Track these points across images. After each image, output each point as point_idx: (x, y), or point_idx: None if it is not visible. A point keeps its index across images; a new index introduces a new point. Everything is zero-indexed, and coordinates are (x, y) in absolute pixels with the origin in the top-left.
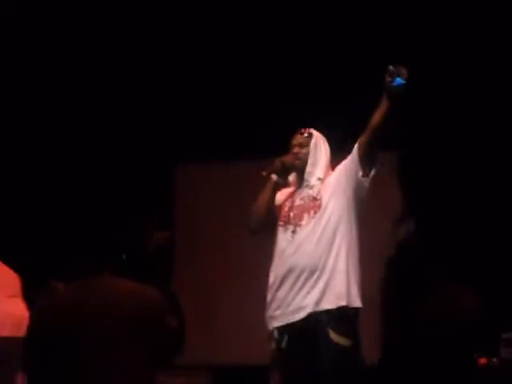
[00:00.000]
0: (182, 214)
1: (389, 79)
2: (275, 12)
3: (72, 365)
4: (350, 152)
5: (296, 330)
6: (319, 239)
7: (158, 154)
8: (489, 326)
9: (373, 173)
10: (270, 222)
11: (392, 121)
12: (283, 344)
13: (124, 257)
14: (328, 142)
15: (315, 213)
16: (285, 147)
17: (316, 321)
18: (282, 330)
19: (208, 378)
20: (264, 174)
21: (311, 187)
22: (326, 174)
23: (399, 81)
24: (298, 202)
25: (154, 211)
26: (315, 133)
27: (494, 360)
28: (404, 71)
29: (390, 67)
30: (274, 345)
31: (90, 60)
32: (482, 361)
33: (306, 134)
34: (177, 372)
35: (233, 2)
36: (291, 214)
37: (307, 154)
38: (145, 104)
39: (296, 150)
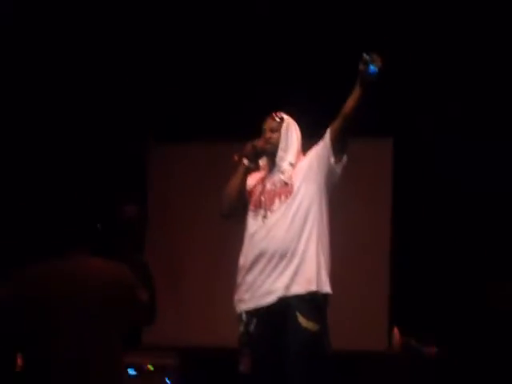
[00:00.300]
0: (155, 193)
1: (362, 67)
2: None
3: (43, 346)
4: (321, 138)
5: (265, 314)
6: (290, 224)
7: (133, 133)
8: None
9: (345, 159)
10: (241, 207)
11: (364, 108)
12: (252, 327)
13: (99, 226)
14: (300, 127)
15: (286, 198)
16: (259, 131)
17: (285, 305)
18: (251, 313)
19: (176, 358)
20: (235, 157)
21: (282, 172)
22: (298, 159)
23: (373, 69)
24: (269, 186)
25: (127, 189)
26: (287, 117)
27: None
28: (378, 59)
29: (364, 55)
30: (242, 328)
31: (63, 40)
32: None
33: (277, 119)
34: (145, 352)
35: None
36: (262, 199)
37: (278, 138)
38: (122, 84)
39: (268, 134)
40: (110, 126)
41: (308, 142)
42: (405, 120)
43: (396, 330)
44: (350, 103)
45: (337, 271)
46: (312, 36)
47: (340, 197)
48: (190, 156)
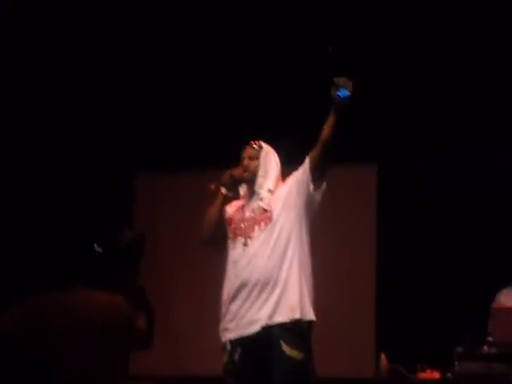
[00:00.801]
0: (141, 222)
1: (334, 92)
2: (225, 29)
3: (42, 380)
4: (300, 164)
5: (249, 343)
6: (271, 252)
7: (120, 163)
8: (443, 341)
9: (324, 186)
10: (220, 235)
11: (342, 133)
12: (236, 356)
13: (98, 249)
14: (278, 154)
15: (266, 225)
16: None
17: (269, 333)
18: (235, 342)
19: None
20: (212, 187)
21: (261, 199)
22: (277, 186)
23: (344, 93)
24: (248, 214)
25: (114, 217)
26: (265, 145)
27: (449, 375)
28: (348, 83)
29: (335, 79)
30: (226, 357)
31: (51, 68)
32: (437, 375)
33: (256, 147)
34: (132, 382)
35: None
36: (242, 226)
37: (257, 166)
38: (108, 114)
39: (246, 162)
40: (98, 155)
41: (288, 169)
42: (389, 146)
43: (383, 356)
44: (326, 130)
45: (323, 298)
46: (289, 65)
47: (325, 223)
48: (177, 184)
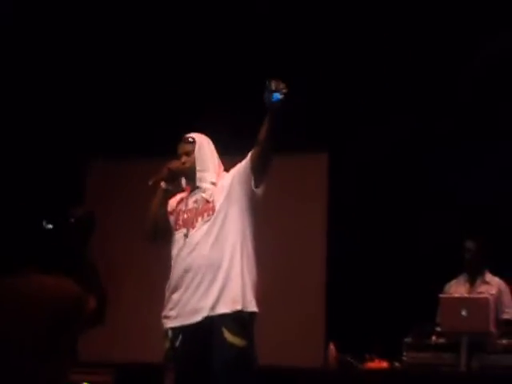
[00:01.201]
0: (92, 207)
1: (266, 95)
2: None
3: None
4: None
5: (191, 330)
6: (214, 242)
7: (73, 148)
8: (391, 331)
9: (264, 183)
10: (164, 229)
11: (279, 134)
12: (177, 343)
13: (49, 226)
14: (221, 142)
15: (209, 215)
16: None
17: (211, 322)
18: (177, 329)
19: (111, 375)
20: (150, 182)
21: (204, 190)
22: (218, 176)
23: (276, 96)
24: (191, 205)
25: (65, 199)
26: (198, 138)
27: (397, 364)
28: (281, 86)
29: (267, 82)
30: (167, 344)
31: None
32: (385, 365)
33: (189, 140)
34: (80, 369)
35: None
36: (185, 217)
37: (194, 161)
38: (64, 102)
39: (183, 158)
40: (52, 140)
41: (231, 157)
42: (340, 135)
43: (332, 346)
44: (263, 131)
45: (273, 288)
46: (230, 51)
47: (276, 212)
48: (128, 171)
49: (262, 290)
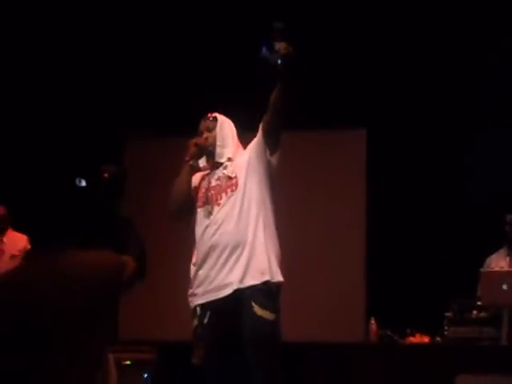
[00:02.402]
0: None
1: (272, 58)
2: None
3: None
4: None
5: (218, 306)
6: (238, 217)
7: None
8: (432, 306)
9: (279, 150)
10: (189, 206)
11: (290, 100)
12: (206, 319)
13: (84, 183)
14: (238, 121)
15: (232, 191)
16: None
17: (239, 296)
18: (205, 306)
19: (153, 353)
20: (187, 159)
21: (225, 167)
22: (237, 153)
23: (281, 59)
24: (214, 182)
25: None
26: (219, 116)
27: (438, 339)
28: (287, 48)
29: (273, 44)
30: (196, 321)
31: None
32: (426, 339)
33: (211, 119)
34: (123, 347)
35: None
36: (209, 195)
37: (215, 137)
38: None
39: (205, 134)
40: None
41: (249, 135)
42: (379, 111)
43: (373, 321)
44: (274, 95)
45: (313, 263)
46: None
47: (315, 187)
48: (165, 150)
49: (287, 263)
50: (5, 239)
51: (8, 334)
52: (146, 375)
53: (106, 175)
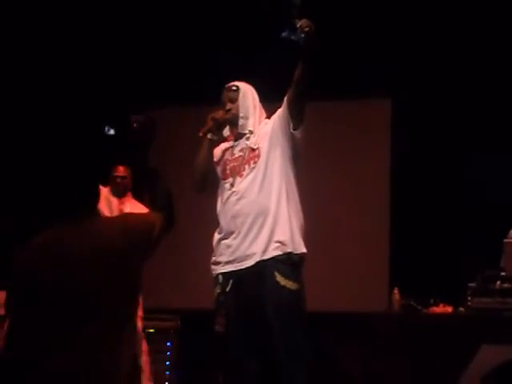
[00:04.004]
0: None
1: (292, 38)
2: None
3: (54, 313)
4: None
5: (241, 275)
6: (261, 187)
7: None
8: (456, 276)
9: (304, 124)
10: (212, 179)
11: (313, 75)
12: (228, 288)
13: (112, 132)
14: (264, 90)
15: (255, 163)
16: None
17: (262, 266)
18: (227, 275)
19: (177, 321)
20: (200, 134)
21: (248, 138)
22: (260, 124)
23: (299, 35)
24: (237, 154)
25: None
26: (242, 85)
27: (461, 309)
28: (304, 26)
29: (292, 21)
30: (218, 290)
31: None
32: (449, 310)
33: (234, 88)
34: (146, 315)
35: None
36: (232, 166)
37: (238, 107)
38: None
39: (228, 105)
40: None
41: (274, 104)
42: (403, 81)
43: (396, 291)
44: (298, 70)
45: (337, 234)
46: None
47: (339, 157)
48: (180, 120)
49: (309, 233)
50: (124, 206)
51: (44, 305)
52: (169, 343)
53: (134, 125)
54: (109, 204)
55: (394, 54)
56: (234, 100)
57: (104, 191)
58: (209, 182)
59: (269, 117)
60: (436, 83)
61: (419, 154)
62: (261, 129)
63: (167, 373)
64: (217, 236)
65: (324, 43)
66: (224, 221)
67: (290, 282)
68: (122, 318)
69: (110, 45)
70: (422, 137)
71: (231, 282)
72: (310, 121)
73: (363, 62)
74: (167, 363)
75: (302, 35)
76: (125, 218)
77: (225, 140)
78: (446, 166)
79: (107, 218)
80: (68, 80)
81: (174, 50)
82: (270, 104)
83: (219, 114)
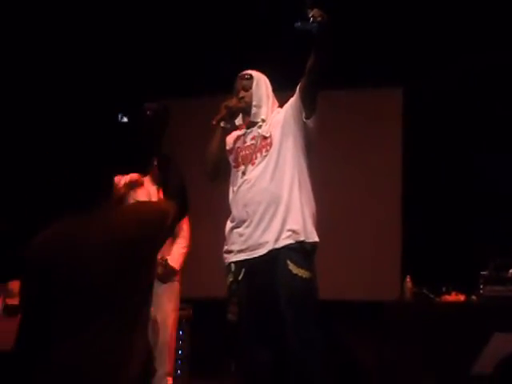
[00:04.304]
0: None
1: (305, 28)
2: None
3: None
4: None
5: (254, 264)
6: (272, 175)
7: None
8: (468, 264)
9: (316, 113)
10: (225, 167)
11: (327, 64)
12: (240, 276)
13: (125, 119)
14: (276, 79)
15: (267, 151)
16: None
17: (275, 254)
18: (240, 263)
19: (189, 310)
20: (214, 123)
21: (260, 127)
22: (273, 113)
23: (311, 25)
24: (249, 142)
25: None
26: (255, 74)
27: (473, 297)
28: (317, 16)
29: (297, 21)
30: (230, 278)
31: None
32: (461, 298)
33: (247, 76)
34: None
35: None
36: (244, 154)
37: (251, 96)
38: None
39: (241, 94)
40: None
41: (288, 93)
42: (415, 70)
43: (408, 279)
44: (311, 59)
45: (350, 222)
46: None
47: (351, 146)
48: (193, 109)
49: (322, 221)
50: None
51: (57, 296)
52: (181, 332)
53: (148, 113)
54: (148, 193)
55: (405, 44)
56: (248, 88)
57: (144, 180)
58: (221, 171)
59: (281, 106)
60: (448, 72)
61: (431, 143)
62: (273, 117)
63: (179, 362)
64: (229, 224)
65: (336, 33)
66: (236, 209)
67: (303, 271)
68: (135, 307)
69: (122, 35)
70: (433, 125)
71: (243, 270)
72: (322, 110)
73: (375, 52)
74: (179, 352)
75: (315, 25)
76: (138, 207)
77: (237, 128)
78: (458, 154)
79: (120, 207)
80: (83, 69)
81: (187, 38)
82: (282, 93)
83: (232, 102)
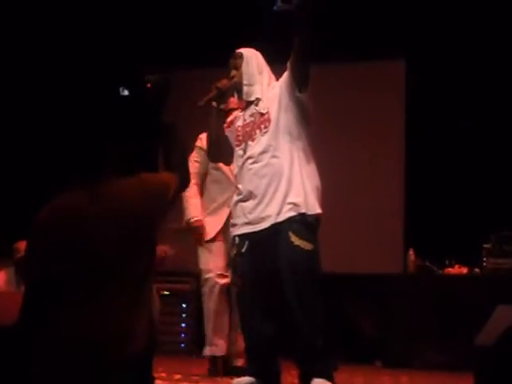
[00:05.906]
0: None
1: (285, 10)
2: None
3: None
4: None
5: (257, 237)
6: (274, 150)
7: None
8: (471, 237)
9: (309, 88)
10: (227, 148)
11: (312, 42)
12: (244, 249)
13: (126, 92)
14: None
15: (266, 127)
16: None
17: (277, 227)
18: (243, 236)
19: (192, 284)
20: (201, 104)
21: (256, 104)
22: (269, 87)
23: (289, 5)
24: (248, 119)
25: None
26: (246, 52)
27: (476, 270)
28: None
29: (277, 3)
30: (234, 251)
31: None
32: (464, 270)
33: (238, 55)
34: (161, 278)
35: None
36: (244, 132)
37: (241, 75)
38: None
39: (232, 72)
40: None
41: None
42: (417, 41)
43: (411, 252)
44: (296, 39)
45: (353, 195)
46: None
47: (354, 119)
48: (187, 81)
49: (324, 195)
50: None
51: (61, 267)
52: (184, 305)
53: (149, 85)
54: None
55: (407, 15)
56: (238, 67)
57: None
58: (222, 150)
59: (279, 79)
60: (450, 42)
61: (434, 115)
62: (268, 93)
63: (182, 335)
64: (235, 198)
65: (319, 10)
66: (241, 184)
67: (305, 243)
68: (138, 279)
69: (123, 8)
70: (436, 97)
71: (247, 243)
72: (323, 84)
73: (376, 24)
74: (183, 325)
75: (294, 6)
76: (140, 179)
77: (236, 109)
78: (461, 126)
79: (122, 179)
80: (83, 43)
81: (185, 12)
82: (282, 65)
83: (222, 82)
